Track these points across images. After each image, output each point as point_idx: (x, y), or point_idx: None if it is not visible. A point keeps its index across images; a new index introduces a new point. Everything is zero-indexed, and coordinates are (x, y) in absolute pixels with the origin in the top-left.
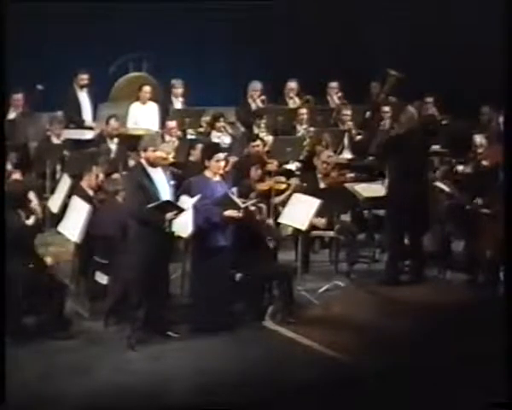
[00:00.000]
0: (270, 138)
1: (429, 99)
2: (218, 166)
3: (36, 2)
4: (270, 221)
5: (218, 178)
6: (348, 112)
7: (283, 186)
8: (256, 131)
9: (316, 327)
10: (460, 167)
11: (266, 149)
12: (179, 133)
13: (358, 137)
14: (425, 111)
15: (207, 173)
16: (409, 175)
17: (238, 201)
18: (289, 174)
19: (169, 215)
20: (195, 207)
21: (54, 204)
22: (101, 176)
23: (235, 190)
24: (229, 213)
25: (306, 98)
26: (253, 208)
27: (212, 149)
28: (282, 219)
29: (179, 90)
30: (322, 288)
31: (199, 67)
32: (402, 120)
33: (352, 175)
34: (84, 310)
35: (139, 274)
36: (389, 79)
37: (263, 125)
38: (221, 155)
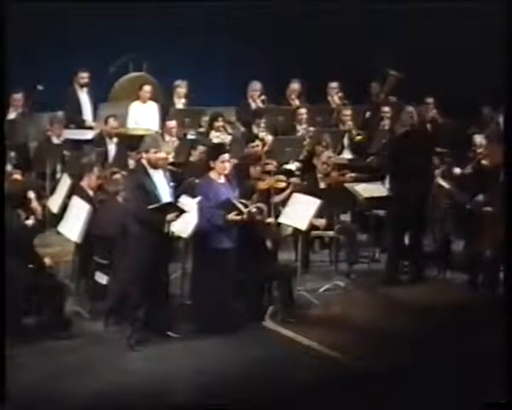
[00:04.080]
0: (269, 138)
1: (429, 100)
2: (223, 166)
3: (36, 2)
4: (271, 219)
5: (222, 179)
6: (348, 112)
7: (283, 184)
8: (255, 130)
9: (316, 327)
10: (457, 170)
11: (266, 148)
12: (179, 133)
13: (358, 138)
14: (426, 112)
15: (212, 175)
16: (409, 175)
17: (241, 206)
18: (289, 174)
19: (170, 216)
20: (199, 209)
21: (54, 204)
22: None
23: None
24: (232, 217)
25: (305, 106)
26: (254, 210)
27: (217, 150)
28: (282, 219)
29: (183, 91)
30: (322, 288)
31: (199, 67)
32: (402, 120)
33: (352, 175)
34: (84, 310)
35: (139, 274)
36: (389, 79)
37: (262, 125)
38: (226, 156)
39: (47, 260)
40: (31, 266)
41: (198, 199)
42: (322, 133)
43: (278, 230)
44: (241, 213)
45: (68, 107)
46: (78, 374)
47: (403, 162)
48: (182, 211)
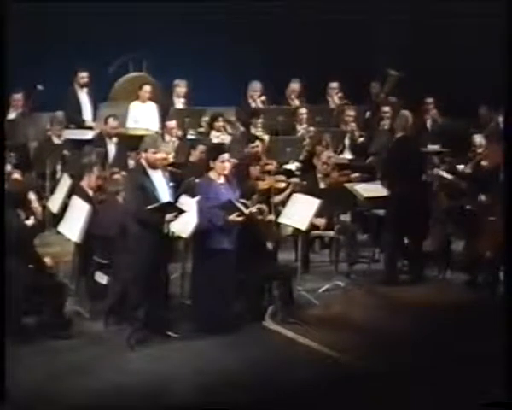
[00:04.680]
0: (266, 138)
1: (430, 100)
2: (223, 166)
3: (36, 2)
4: (272, 217)
5: (222, 179)
6: (352, 113)
7: (283, 185)
8: (253, 130)
9: (316, 327)
10: (460, 166)
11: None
12: (179, 133)
13: (361, 139)
14: (426, 113)
15: (212, 175)
16: (407, 176)
17: (242, 207)
18: (289, 174)
19: (169, 216)
20: (199, 208)
21: (54, 204)
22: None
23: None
24: (233, 218)
25: (305, 106)
26: (254, 210)
27: (217, 150)
28: (283, 219)
29: (182, 90)
30: (322, 288)
31: (199, 67)
32: (397, 124)
33: (352, 175)
34: (84, 310)
35: (139, 274)
36: (389, 79)
37: (259, 125)
38: (226, 156)
39: (47, 260)
40: (31, 266)
41: (197, 199)
42: (322, 133)
43: (278, 230)
44: (242, 213)
45: (68, 107)
46: (78, 374)
47: (401, 165)
48: (181, 211)
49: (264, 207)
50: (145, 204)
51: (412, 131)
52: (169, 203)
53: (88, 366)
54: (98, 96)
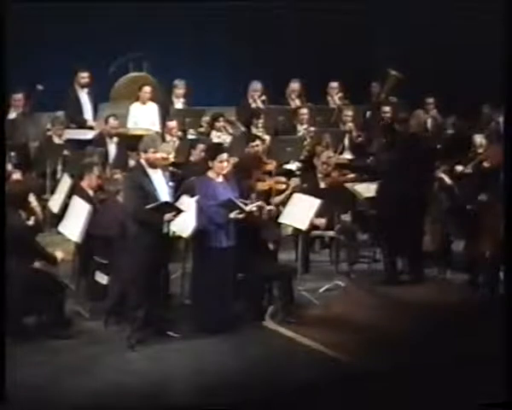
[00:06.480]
0: (266, 138)
1: (430, 100)
2: (221, 166)
3: (36, 3)
4: (272, 207)
5: (220, 178)
6: (350, 113)
7: (283, 186)
8: (254, 131)
9: (316, 327)
10: (459, 168)
11: (265, 147)
12: (180, 133)
13: (359, 139)
14: (426, 113)
15: (210, 174)
16: (409, 175)
17: (242, 205)
18: (290, 174)
19: (167, 216)
20: (199, 207)
21: (54, 204)
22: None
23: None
24: (235, 215)
25: (307, 106)
26: (254, 209)
27: (215, 150)
28: (283, 219)
29: (181, 91)
30: (322, 288)
31: (199, 67)
32: (412, 124)
33: (352, 175)
34: (84, 310)
35: (139, 274)
36: (389, 79)
37: (260, 125)
38: (224, 156)
39: (59, 254)
40: (37, 264)
41: (196, 198)
42: (322, 133)
43: (278, 230)
44: (243, 211)
45: (69, 107)
46: (78, 374)
47: (402, 163)
48: (179, 210)
49: (263, 204)
50: (144, 204)
51: (425, 131)
52: (166, 203)
53: (88, 366)
54: (98, 97)
